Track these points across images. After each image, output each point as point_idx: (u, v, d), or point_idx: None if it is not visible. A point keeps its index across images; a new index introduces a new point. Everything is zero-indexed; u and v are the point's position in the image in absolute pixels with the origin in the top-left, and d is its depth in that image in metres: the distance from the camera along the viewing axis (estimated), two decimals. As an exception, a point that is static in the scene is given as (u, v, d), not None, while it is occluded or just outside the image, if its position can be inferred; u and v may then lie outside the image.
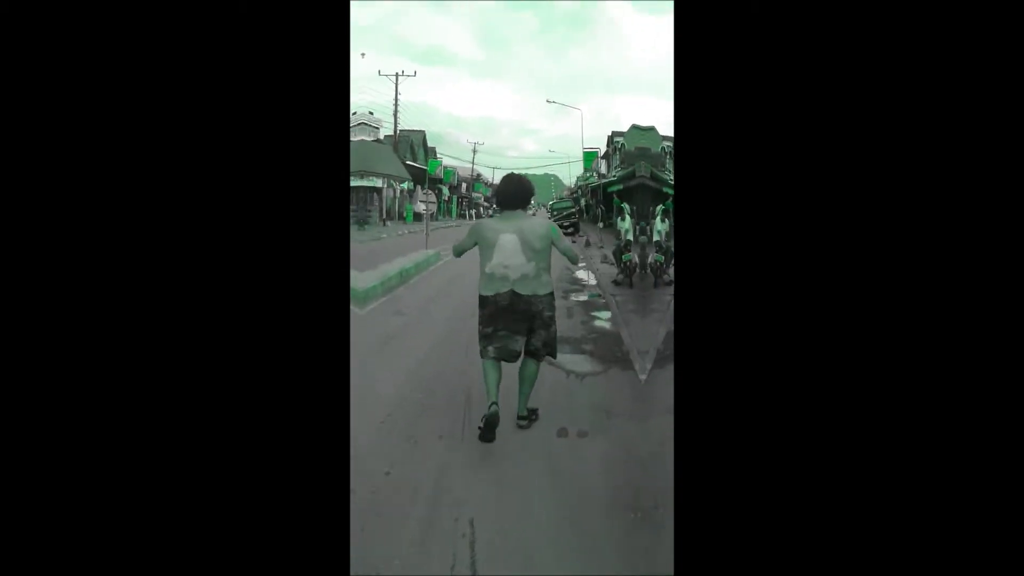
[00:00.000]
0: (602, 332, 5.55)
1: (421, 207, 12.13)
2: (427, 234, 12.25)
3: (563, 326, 5.60)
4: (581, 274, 9.97)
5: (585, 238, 16.75)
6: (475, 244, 3.02)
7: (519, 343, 2.89)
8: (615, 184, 24.20)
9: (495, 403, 2.74)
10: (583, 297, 7.53)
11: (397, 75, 26.81)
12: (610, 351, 4.77)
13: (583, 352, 4.77)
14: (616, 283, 7.92)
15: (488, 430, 2.69)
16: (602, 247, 14.80)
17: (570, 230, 18.14)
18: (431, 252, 11.05)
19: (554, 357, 3.14)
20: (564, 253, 3.12)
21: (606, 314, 6.40)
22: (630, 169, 23.02)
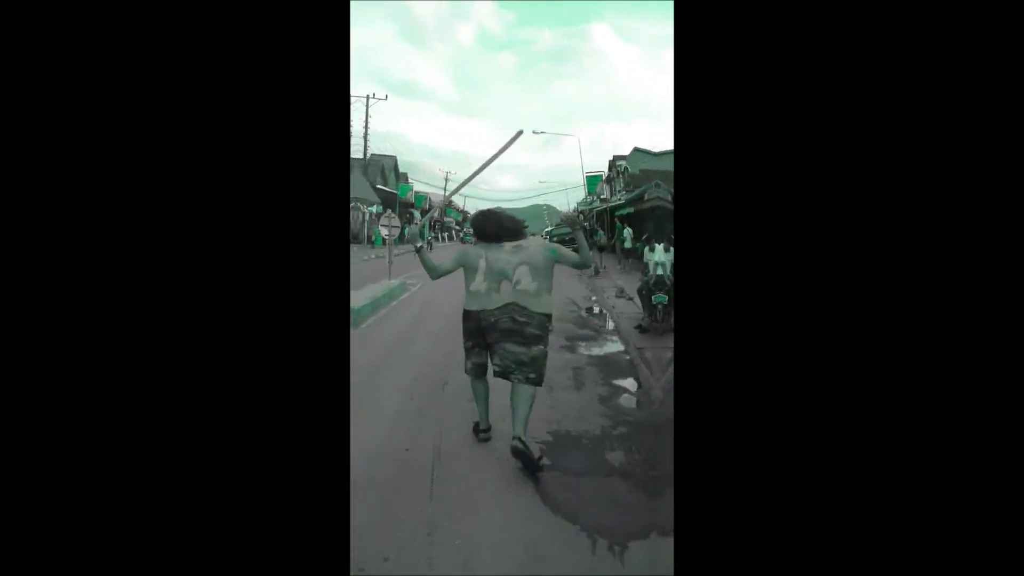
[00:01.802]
0: (635, 422, 3.58)
1: (384, 232, 10.26)
2: (390, 262, 10.31)
3: (572, 407, 3.74)
4: (597, 312, 8.03)
5: (593, 265, 14.85)
6: (459, 267, 2.95)
7: (485, 356, 2.92)
8: (623, 207, 22.57)
9: (489, 427, 3.00)
10: (597, 350, 5.58)
11: (368, 97, 28.18)
12: (662, 470, 2.81)
13: (610, 470, 2.82)
14: (641, 329, 6.00)
15: (482, 435, 2.98)
16: (595, 271, 13.07)
17: (600, 246, 16.29)
18: (395, 283, 9.15)
19: (539, 384, 2.83)
20: (571, 263, 2.94)
21: (634, 382, 4.47)
22: (639, 191, 21.51)
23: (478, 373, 2.97)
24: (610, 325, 6.96)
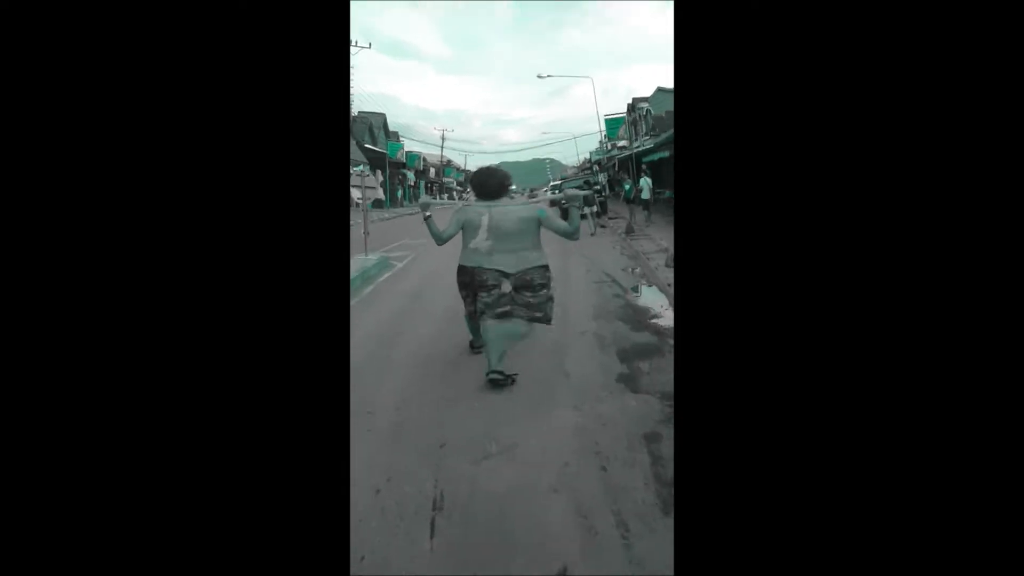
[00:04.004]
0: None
1: (356, 194, 7.85)
2: (366, 232, 8.05)
3: None
4: (648, 295, 5.75)
5: (627, 222, 12.46)
6: (460, 229, 3.22)
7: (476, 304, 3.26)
8: (652, 152, 19.92)
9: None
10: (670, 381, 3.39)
11: (350, 45, 25.61)
12: None
13: None
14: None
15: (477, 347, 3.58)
16: (623, 228, 10.46)
17: (595, 211, 13.90)
18: (371, 259, 7.05)
19: (548, 322, 3.29)
20: (557, 231, 3.20)
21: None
22: (669, 134, 18.83)
23: (477, 314, 3.26)
24: (666, 318, 4.74)
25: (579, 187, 14.60)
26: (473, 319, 3.40)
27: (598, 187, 16.52)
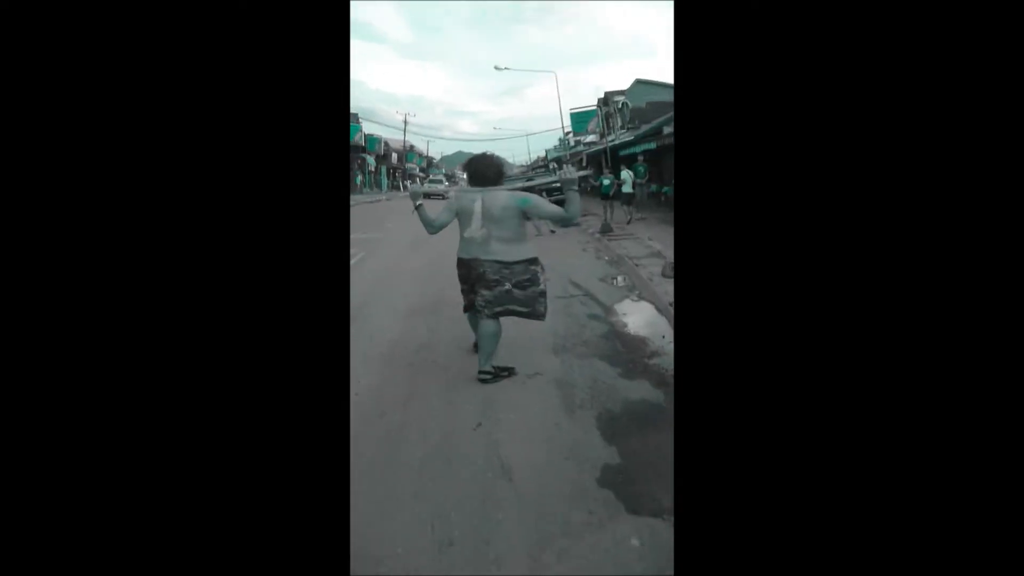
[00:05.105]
0: None
1: None
2: None
3: None
4: (643, 319, 4.53)
5: (603, 220, 11.29)
6: (455, 217, 3.12)
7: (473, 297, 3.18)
8: (635, 144, 18.83)
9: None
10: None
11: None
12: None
13: None
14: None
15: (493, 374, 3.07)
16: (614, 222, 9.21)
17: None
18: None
19: (541, 319, 3.20)
20: (550, 217, 3.11)
21: None
22: (655, 124, 17.75)
23: (466, 309, 3.33)
24: (668, 351, 3.55)
25: (533, 184, 13.02)
26: (477, 315, 3.19)
27: (557, 184, 15.29)
